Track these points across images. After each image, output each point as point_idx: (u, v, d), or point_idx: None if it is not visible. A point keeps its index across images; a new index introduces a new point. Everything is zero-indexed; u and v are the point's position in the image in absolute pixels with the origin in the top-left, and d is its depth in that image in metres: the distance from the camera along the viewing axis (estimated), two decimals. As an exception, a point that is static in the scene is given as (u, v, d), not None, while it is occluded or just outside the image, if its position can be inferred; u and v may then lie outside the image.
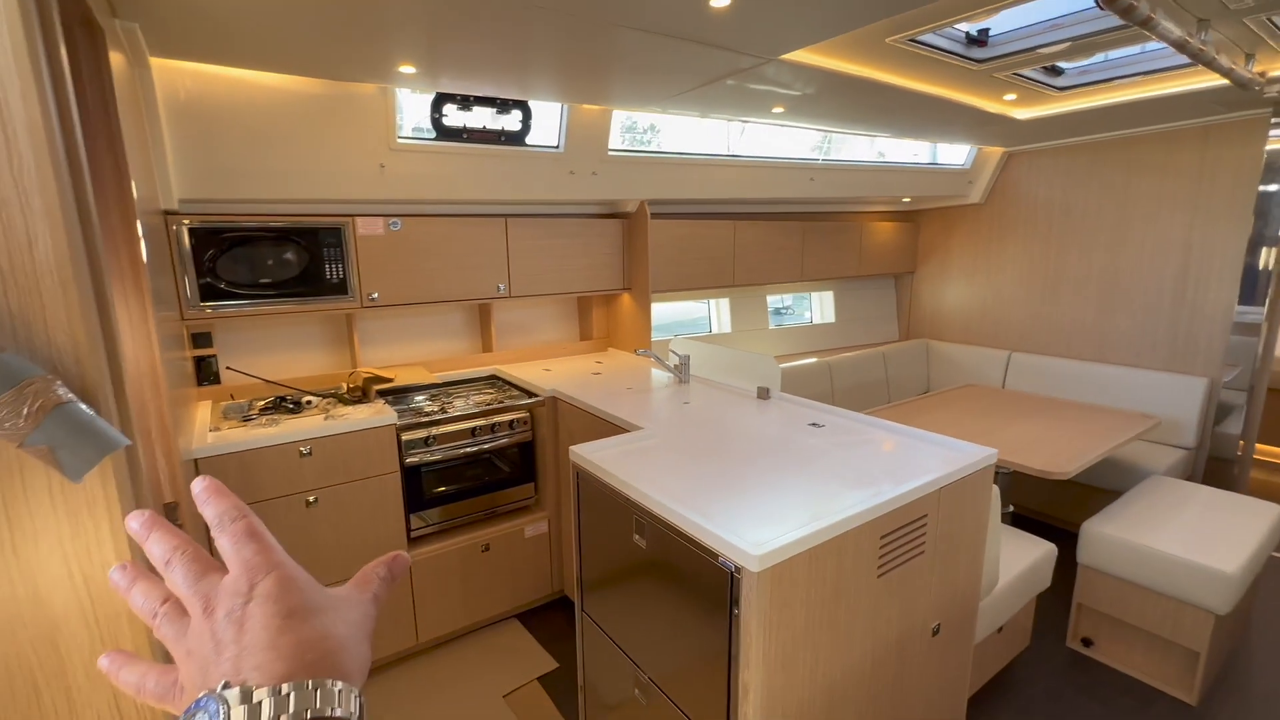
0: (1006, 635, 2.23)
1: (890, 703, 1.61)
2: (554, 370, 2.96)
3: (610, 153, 2.83)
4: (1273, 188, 2.98)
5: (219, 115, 2.05)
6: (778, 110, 2.68)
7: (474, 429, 2.48)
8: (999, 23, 2.13)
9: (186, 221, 2.12)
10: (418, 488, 2.37)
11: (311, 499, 2.13)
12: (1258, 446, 3.55)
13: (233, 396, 2.46)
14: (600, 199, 2.95)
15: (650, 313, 3.17)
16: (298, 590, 0.35)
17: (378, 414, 2.25)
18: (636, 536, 1.58)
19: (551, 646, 2.50)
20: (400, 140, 2.36)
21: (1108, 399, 3.53)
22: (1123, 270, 3.55)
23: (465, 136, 2.51)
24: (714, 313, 4.07)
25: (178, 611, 0.36)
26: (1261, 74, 2.35)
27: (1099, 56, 2.49)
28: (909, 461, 1.72)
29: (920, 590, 1.63)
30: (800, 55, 2.03)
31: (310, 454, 2.11)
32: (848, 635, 1.44)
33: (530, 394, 2.66)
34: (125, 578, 0.38)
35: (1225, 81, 2.39)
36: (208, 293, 2.20)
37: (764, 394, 2.42)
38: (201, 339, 2.42)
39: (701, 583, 1.36)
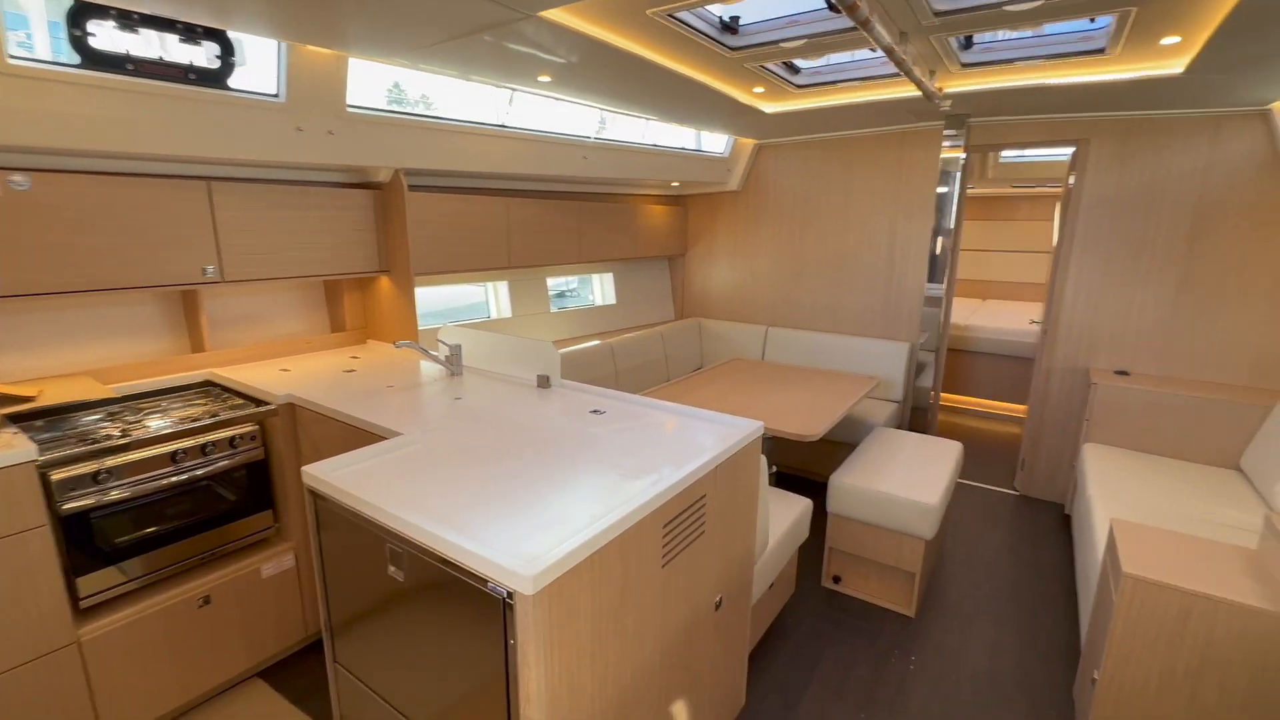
0: (777, 588, 2.43)
1: (680, 686, 1.60)
2: (294, 370, 2.45)
3: (351, 109, 2.39)
4: (944, 189, 3.67)
5: None
6: (544, 79, 2.51)
7: (176, 453, 1.91)
8: (748, 11, 2.22)
9: None
10: (88, 541, 1.76)
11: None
12: (942, 395, 4.45)
13: None
14: (341, 164, 2.48)
15: (414, 298, 2.81)
16: None
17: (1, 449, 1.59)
18: (392, 568, 1.32)
19: (308, 704, 2.08)
20: (13, 60, 1.67)
21: (842, 364, 4.10)
22: (849, 254, 4.13)
23: (132, 69, 1.89)
24: (492, 297, 3.81)
25: None
26: (939, 89, 2.83)
27: (828, 59, 2.78)
28: (688, 442, 1.71)
29: (703, 570, 1.64)
30: (561, 16, 1.88)
31: None
32: (637, 637, 1.37)
33: (258, 402, 2.15)
34: None
35: (918, 93, 2.84)
36: None
37: (544, 383, 2.27)
38: None
39: (471, 614, 1.17)
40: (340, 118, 2.37)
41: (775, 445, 3.56)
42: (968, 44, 2.48)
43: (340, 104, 2.34)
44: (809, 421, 2.72)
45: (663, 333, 4.38)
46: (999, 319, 5.27)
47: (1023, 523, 3.43)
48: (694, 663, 1.66)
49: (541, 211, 3.50)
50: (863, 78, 2.83)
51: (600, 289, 4.55)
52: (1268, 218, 2.96)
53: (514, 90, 2.79)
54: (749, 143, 4.28)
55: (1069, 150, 3.62)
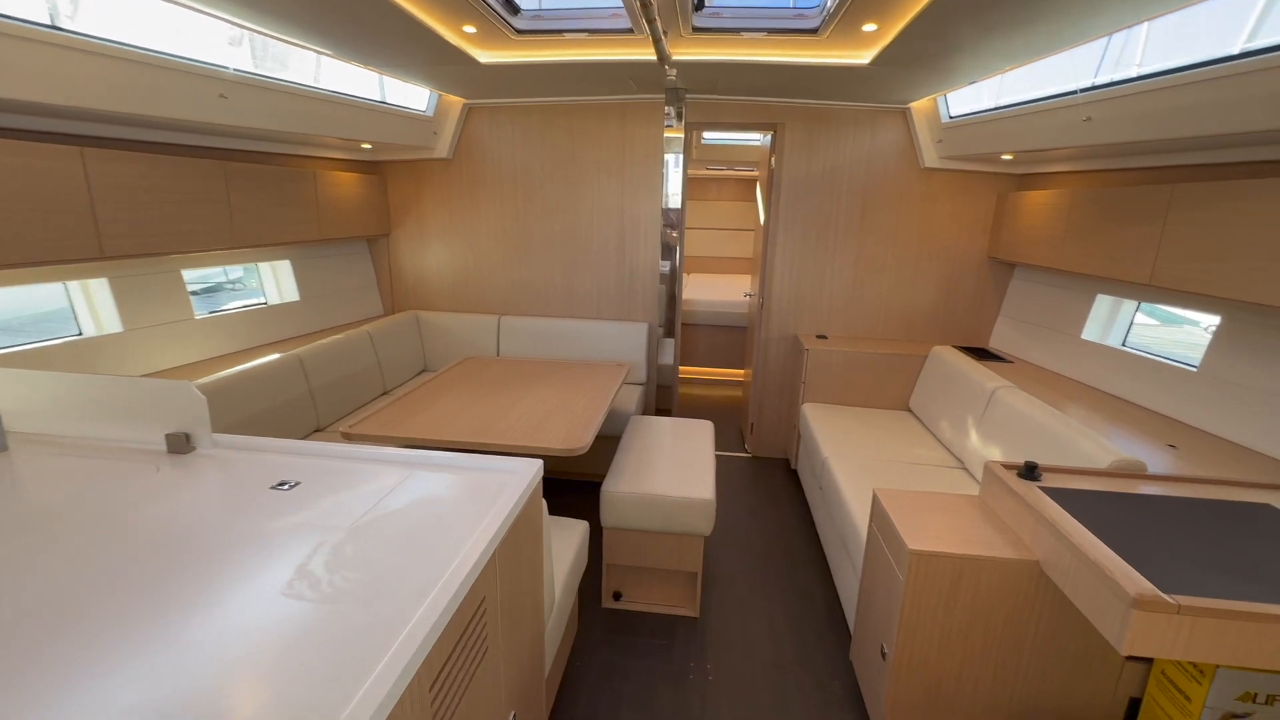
0: (566, 636, 2.03)
1: None
2: None
3: None
4: (668, 166, 3.62)
5: None
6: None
7: None
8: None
9: None
10: None
11: None
12: (680, 369, 4.53)
13: None
14: None
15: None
16: None
17: None
18: None
19: None
20: None
21: (585, 351, 3.84)
22: (579, 231, 3.85)
23: None
24: (81, 305, 2.48)
25: None
26: (669, 55, 2.65)
27: (554, 2, 2.35)
28: (442, 516, 1.16)
29: (489, 698, 1.12)
30: None
31: None
32: None
33: None
34: None
35: (650, 55, 2.61)
36: None
37: (181, 445, 1.42)
38: None
39: None
40: None
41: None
42: (700, 4, 2.31)
43: None
44: (573, 429, 2.34)
45: (372, 333, 3.52)
46: (712, 292, 5.68)
47: (759, 484, 3.67)
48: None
49: (152, 172, 2.35)
50: (592, 30, 2.48)
51: (275, 282, 3.43)
52: (909, 202, 3.57)
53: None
54: (457, 101, 3.63)
55: (759, 136, 3.90)
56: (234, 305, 3.21)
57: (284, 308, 3.36)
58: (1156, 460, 1.96)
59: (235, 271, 3.48)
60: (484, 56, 2.73)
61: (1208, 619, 1.23)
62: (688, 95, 3.45)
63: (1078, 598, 1.42)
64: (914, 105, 3.37)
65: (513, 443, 2.17)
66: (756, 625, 2.42)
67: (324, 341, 3.15)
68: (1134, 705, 1.68)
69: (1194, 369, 2.34)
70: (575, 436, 2.25)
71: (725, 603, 2.56)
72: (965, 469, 2.72)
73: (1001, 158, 3.19)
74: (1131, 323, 2.85)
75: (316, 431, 2.98)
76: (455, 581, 0.96)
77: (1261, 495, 1.73)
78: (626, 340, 3.83)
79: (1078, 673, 1.68)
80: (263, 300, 3.38)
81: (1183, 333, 2.82)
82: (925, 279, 3.67)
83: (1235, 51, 1.77)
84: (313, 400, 2.95)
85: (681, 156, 3.54)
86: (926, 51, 2.30)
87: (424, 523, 1.15)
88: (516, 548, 1.25)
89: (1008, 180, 3.47)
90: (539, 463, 1.39)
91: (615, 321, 3.87)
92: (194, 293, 2.91)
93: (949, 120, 3.24)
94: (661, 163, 3.63)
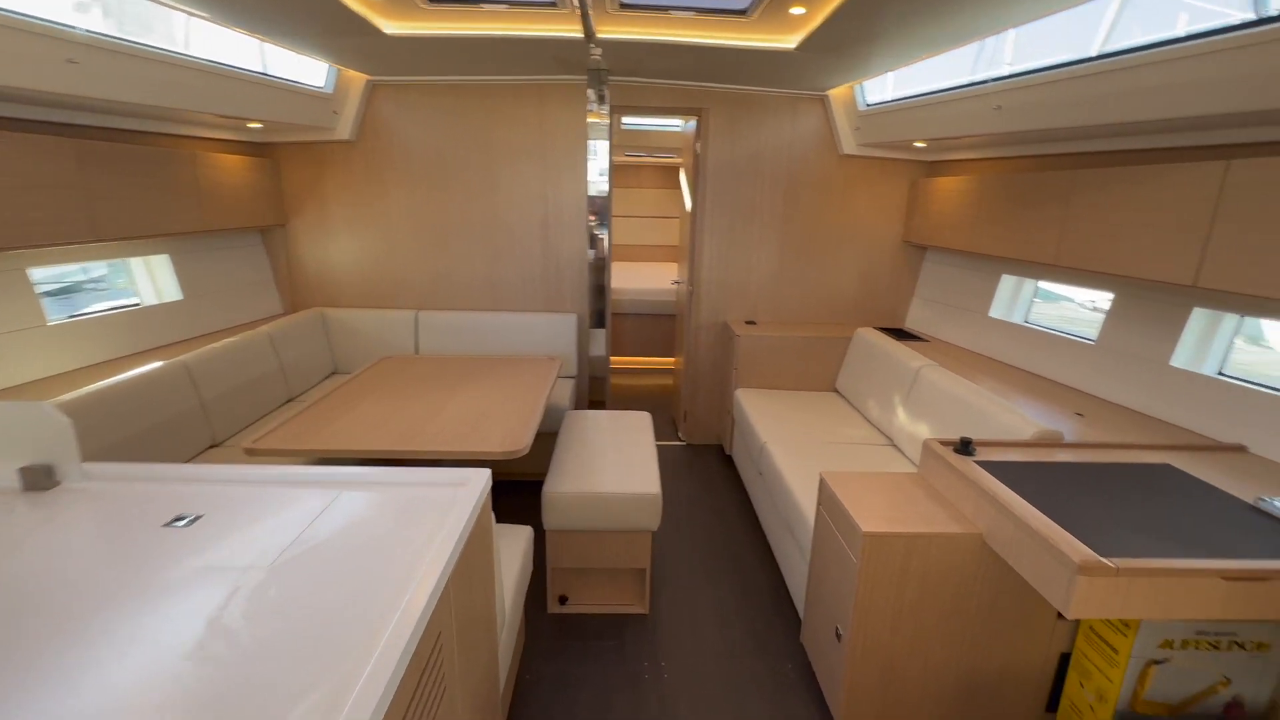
0: (515, 650, 1.91)
1: None
2: None
3: None
4: (593, 153, 3.50)
5: None
6: None
7: None
8: None
9: None
10: None
11: None
12: (614, 359, 4.44)
13: None
14: None
15: None
16: None
17: None
18: None
19: None
20: None
21: (512, 346, 3.67)
22: (500, 219, 3.65)
23: None
24: (-106, 310, 2.04)
25: None
26: (595, 31, 2.53)
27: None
28: (382, 545, 1.02)
29: (451, 744, 1.00)
30: None
31: None
32: None
33: None
34: None
35: (575, 31, 2.48)
36: None
37: (41, 480, 1.17)
38: None
39: None
40: None
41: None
42: (627, -21, 2.21)
43: None
44: (511, 429, 2.20)
45: (272, 334, 3.17)
46: (637, 280, 5.61)
47: (696, 472, 3.67)
48: None
49: (-12, 152, 1.96)
50: (513, 1, 2.31)
51: (151, 279, 3.00)
52: (828, 188, 3.66)
53: None
54: (359, 78, 3.32)
55: (680, 122, 3.84)
56: (99, 308, 2.78)
57: (163, 309, 2.96)
58: (1068, 429, 2.10)
59: (98, 269, 3.01)
60: (390, 27, 2.50)
61: (1142, 578, 1.30)
62: (610, 78, 3.33)
63: (1022, 567, 1.48)
64: (832, 92, 3.44)
65: (446, 448, 2.01)
66: (706, 615, 2.40)
67: (215, 346, 2.80)
68: (1064, 659, 1.79)
69: (1092, 342, 2.54)
70: (514, 437, 2.11)
71: (672, 595, 2.52)
72: (895, 446, 2.82)
73: (915, 145, 3.32)
74: (1032, 300, 3.07)
75: (212, 448, 2.64)
76: (409, 622, 0.83)
77: (1161, 456, 1.89)
78: (555, 332, 3.69)
79: (1015, 635, 1.77)
80: (136, 301, 2.95)
81: (1059, 309, 3.06)
82: (846, 263, 3.79)
83: (1127, 46, 1.90)
84: (205, 413, 2.62)
85: (607, 143, 3.44)
86: (851, 36, 2.33)
87: (362, 552, 1.01)
88: (469, 569, 1.13)
89: (920, 167, 3.63)
90: (487, 472, 1.27)
91: (543, 313, 3.72)
92: (47, 294, 2.48)
93: (866, 108, 3.33)
94: (585, 147, 3.50)
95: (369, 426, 2.19)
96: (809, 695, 2.01)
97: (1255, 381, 2.02)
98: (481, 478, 1.25)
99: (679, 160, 6.41)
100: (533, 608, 2.39)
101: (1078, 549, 1.33)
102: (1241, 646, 1.53)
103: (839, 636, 1.81)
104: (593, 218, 3.61)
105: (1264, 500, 1.58)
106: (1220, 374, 2.14)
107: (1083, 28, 2.11)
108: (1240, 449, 1.96)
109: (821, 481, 1.98)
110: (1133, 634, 1.52)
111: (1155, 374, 2.27)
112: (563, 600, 2.41)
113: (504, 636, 1.60)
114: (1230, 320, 2.15)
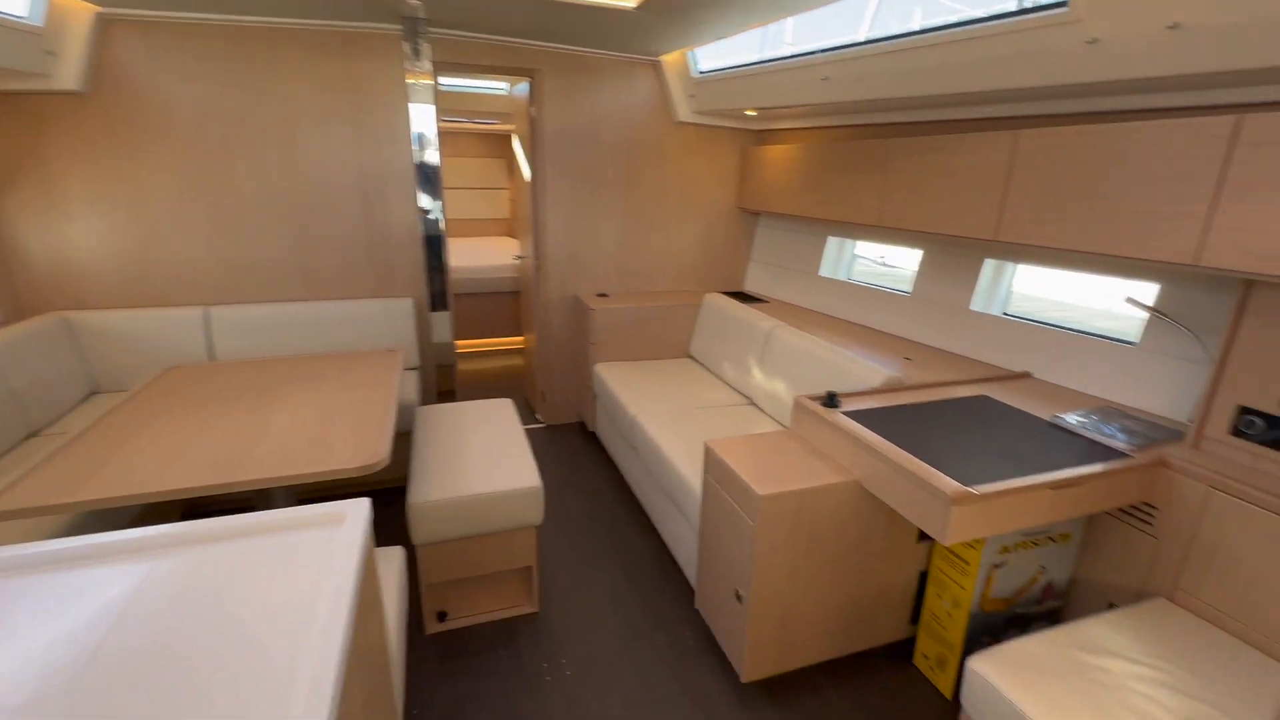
0: (399, 685, 1.67)
1: None
2: None
3: None
4: (418, 117, 3.09)
5: None
6: None
7: None
8: None
9: None
10: None
11: None
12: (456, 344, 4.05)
13: None
14: None
15: None
16: None
17: None
18: None
19: None
20: None
21: (337, 340, 3.19)
22: (307, 195, 3.11)
23: None
24: None
25: None
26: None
27: None
28: (240, 625, 0.78)
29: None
30: None
31: None
32: None
33: None
34: None
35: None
36: None
37: None
38: None
39: None
40: None
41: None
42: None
43: None
44: (363, 440, 1.88)
45: (-11, 352, 2.38)
46: (472, 258, 5.22)
47: (561, 452, 3.56)
48: None
49: None
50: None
51: None
52: (666, 156, 3.67)
53: None
54: (83, 8, 2.55)
55: (505, 85, 3.56)
56: None
57: None
58: (902, 373, 2.35)
59: None
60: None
61: (996, 500, 1.49)
62: (431, 30, 2.96)
63: (900, 505, 1.62)
64: (665, 58, 3.42)
65: (287, 473, 1.65)
66: (598, 601, 2.34)
67: (-106, 375, 2.02)
68: (923, 577, 2.03)
69: (907, 294, 2.88)
70: (370, 449, 1.81)
71: (560, 588, 2.42)
72: (755, 405, 2.97)
73: (746, 113, 3.45)
74: (854, 258, 3.40)
75: (-90, 515, 1.92)
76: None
77: (979, 389, 2.19)
78: (390, 320, 3.28)
79: (883, 562, 1.95)
80: None
81: (861, 266, 3.45)
82: (687, 230, 3.86)
83: (946, 22, 2.10)
84: (-109, 469, 1.89)
85: (433, 106, 3.07)
86: (694, -1, 2.29)
87: (219, 639, 0.75)
88: (363, 621, 0.91)
89: (749, 135, 3.79)
90: (367, 502, 1.04)
91: (372, 300, 3.27)
92: None
93: (699, 75, 3.37)
94: (406, 110, 3.09)
95: (167, 459, 1.73)
96: (712, 658, 2.06)
97: (1029, 318, 2.43)
98: (361, 508, 1.02)
99: (505, 127, 6.04)
100: (410, 632, 2.13)
101: (948, 484, 1.47)
102: (1053, 540, 1.85)
103: (740, 598, 1.86)
104: (423, 188, 3.23)
105: (1059, 417, 1.90)
106: (1005, 314, 2.54)
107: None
108: (1026, 375, 2.36)
109: (707, 449, 1.99)
110: (981, 546, 1.75)
111: (958, 318, 2.64)
112: (441, 617, 2.18)
113: (395, 676, 1.38)
114: (1010, 268, 2.55)
